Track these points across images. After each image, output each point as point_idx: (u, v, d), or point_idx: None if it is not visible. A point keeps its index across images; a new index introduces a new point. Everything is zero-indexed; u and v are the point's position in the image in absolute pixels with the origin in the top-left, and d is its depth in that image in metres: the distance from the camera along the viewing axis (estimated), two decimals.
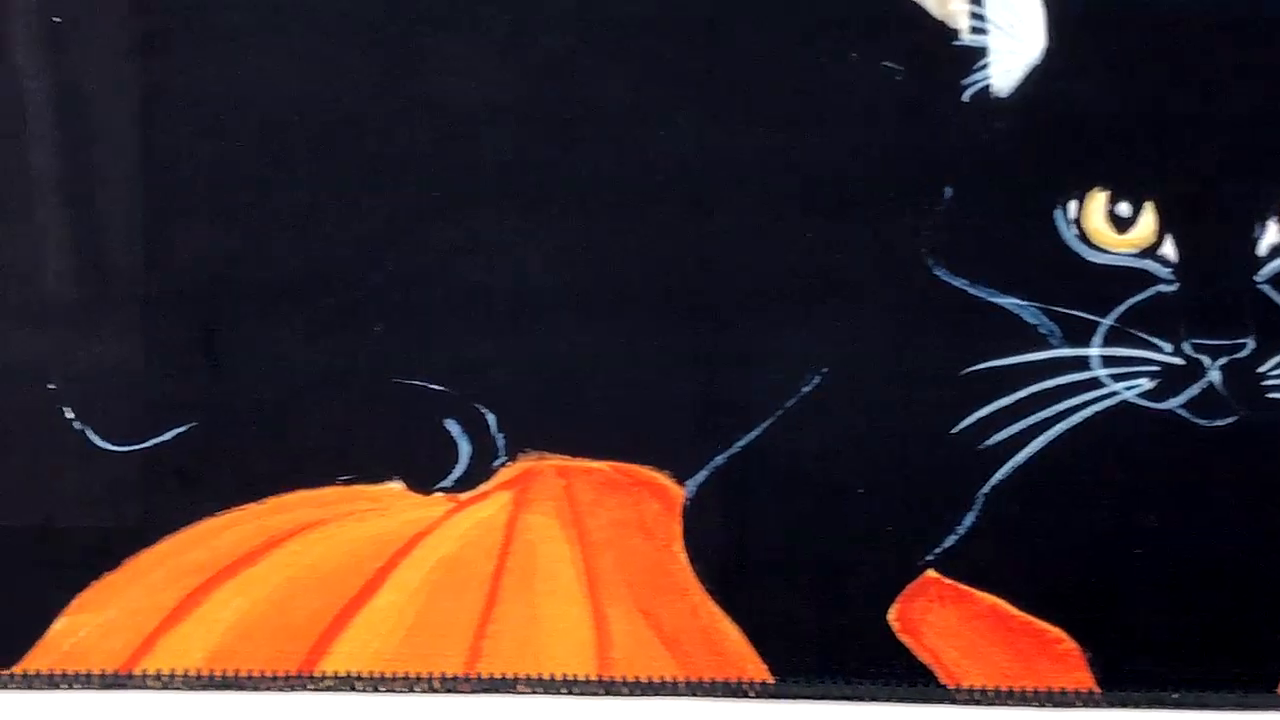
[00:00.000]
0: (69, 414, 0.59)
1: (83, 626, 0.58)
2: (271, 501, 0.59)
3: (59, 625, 0.58)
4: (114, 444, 0.59)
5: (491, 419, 0.59)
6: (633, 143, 0.58)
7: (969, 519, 0.58)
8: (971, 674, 0.57)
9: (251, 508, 0.59)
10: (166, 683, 0.58)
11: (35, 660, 0.58)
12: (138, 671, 0.58)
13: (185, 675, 0.58)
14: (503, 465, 0.59)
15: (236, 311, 0.59)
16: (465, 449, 0.59)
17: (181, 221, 0.59)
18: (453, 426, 0.58)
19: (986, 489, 0.57)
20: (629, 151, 0.58)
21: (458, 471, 0.59)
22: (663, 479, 0.58)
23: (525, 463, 0.59)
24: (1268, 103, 0.57)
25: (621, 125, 0.58)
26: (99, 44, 0.59)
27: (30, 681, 0.58)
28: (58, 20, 0.59)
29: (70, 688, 0.58)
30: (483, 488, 0.59)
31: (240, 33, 0.59)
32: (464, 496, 0.59)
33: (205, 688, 0.58)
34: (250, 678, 0.57)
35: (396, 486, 0.59)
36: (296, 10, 0.59)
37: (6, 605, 0.58)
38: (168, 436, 0.59)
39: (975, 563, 0.58)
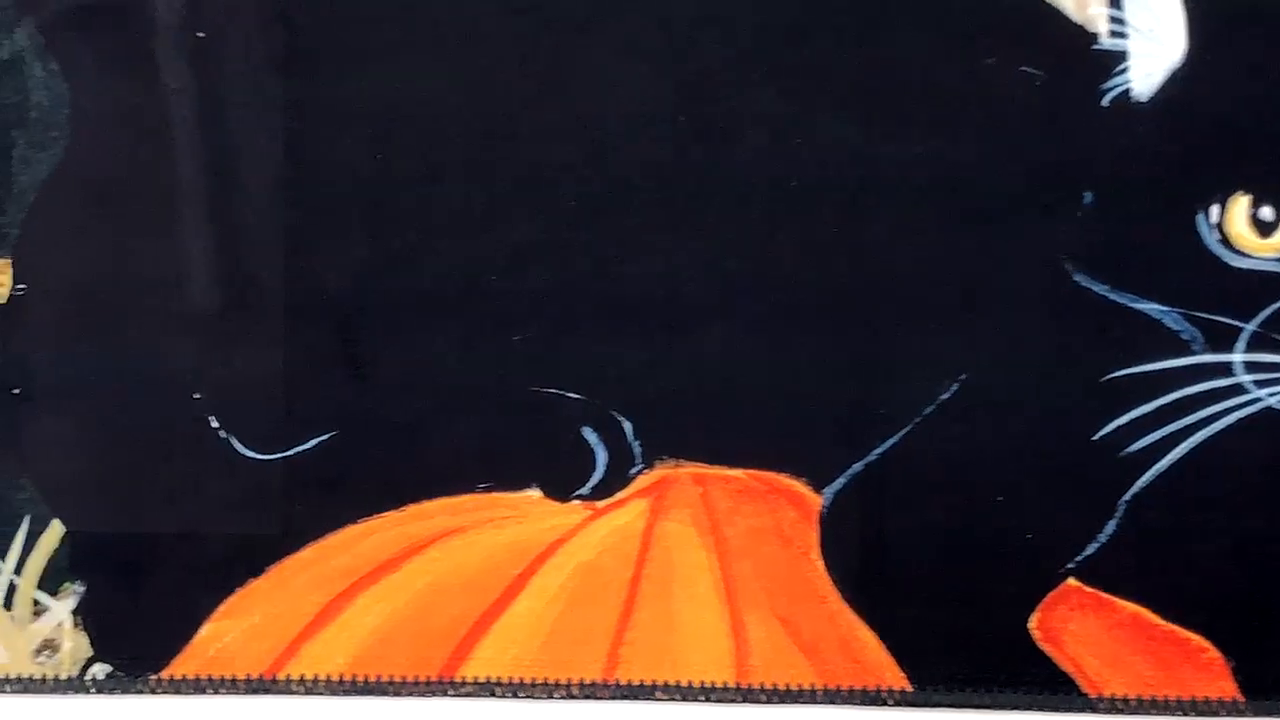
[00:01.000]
0: (214, 423, 0.58)
1: (228, 632, 0.57)
2: (412, 509, 0.58)
3: (205, 631, 0.57)
4: (258, 452, 0.58)
5: (628, 426, 0.58)
6: (781, 151, 0.57)
7: (1110, 526, 0.56)
8: (1113, 683, 0.56)
9: (392, 515, 0.58)
10: (310, 688, 0.57)
11: (182, 665, 0.57)
12: (281, 677, 0.57)
13: (328, 680, 0.57)
14: (639, 473, 0.58)
15: (379, 321, 0.58)
16: (602, 457, 0.58)
17: (325, 232, 0.59)
18: (590, 434, 0.57)
19: (1128, 496, 0.56)
20: (777, 160, 0.57)
21: (595, 479, 0.58)
22: (800, 486, 0.57)
23: (662, 470, 0.58)
24: None
25: (770, 133, 0.57)
26: (244, 58, 0.58)
27: (177, 686, 0.57)
28: (201, 35, 0.58)
29: (216, 692, 0.57)
30: (620, 495, 0.58)
31: (387, 45, 0.58)
32: (601, 504, 0.58)
33: (348, 693, 0.57)
34: (392, 683, 0.57)
35: (534, 494, 0.58)
36: (445, 22, 0.58)
37: (154, 611, 0.58)
38: (310, 445, 0.58)
39: (1117, 571, 0.56)
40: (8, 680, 0.58)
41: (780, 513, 0.57)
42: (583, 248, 0.58)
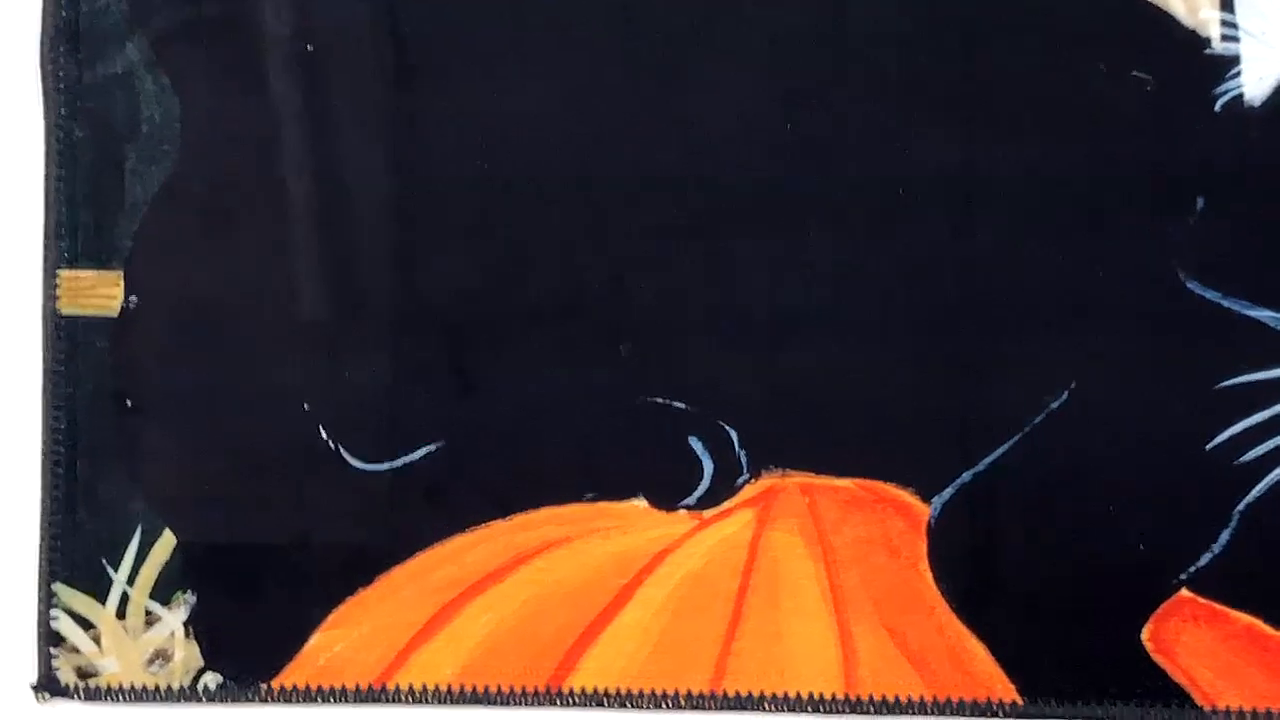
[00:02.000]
0: (323, 434, 0.58)
1: (338, 642, 0.57)
2: (518, 519, 0.58)
3: (315, 640, 0.57)
4: (366, 463, 0.58)
5: (734, 436, 0.57)
6: (886, 160, 0.57)
7: (1224, 536, 0.54)
8: (1228, 695, 0.54)
9: (499, 525, 0.58)
10: (419, 698, 0.57)
11: (292, 675, 0.57)
12: (391, 686, 0.57)
13: (437, 690, 0.56)
14: (746, 483, 0.57)
15: (485, 332, 0.58)
16: (708, 466, 0.57)
17: (433, 244, 0.59)
18: (696, 444, 0.57)
19: (1242, 506, 0.54)
20: (883, 169, 0.57)
21: (701, 489, 0.57)
22: (907, 496, 0.56)
23: (768, 480, 0.57)
24: None
25: (876, 142, 0.56)
26: (353, 71, 0.58)
27: (288, 695, 0.57)
28: (311, 49, 0.58)
29: (326, 702, 0.57)
30: (726, 505, 0.57)
31: (495, 57, 0.58)
32: (707, 514, 0.57)
33: (456, 702, 0.56)
34: (499, 693, 0.56)
35: (640, 504, 0.57)
36: (552, 34, 0.58)
37: (265, 621, 0.58)
38: (417, 455, 0.58)
39: (1231, 582, 0.55)
40: (121, 690, 0.58)
41: (888, 522, 0.56)
42: (689, 258, 0.57)
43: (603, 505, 0.58)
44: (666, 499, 0.57)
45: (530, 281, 0.58)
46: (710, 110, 0.57)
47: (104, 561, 0.59)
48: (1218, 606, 0.55)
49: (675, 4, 0.57)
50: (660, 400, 0.57)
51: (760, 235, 0.57)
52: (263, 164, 0.59)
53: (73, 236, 0.59)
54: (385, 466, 0.58)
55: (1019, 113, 0.56)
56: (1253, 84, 0.54)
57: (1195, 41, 0.55)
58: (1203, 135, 0.55)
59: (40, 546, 0.59)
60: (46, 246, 0.59)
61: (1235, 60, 0.54)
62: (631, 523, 0.57)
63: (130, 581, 0.59)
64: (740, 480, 0.57)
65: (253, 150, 0.58)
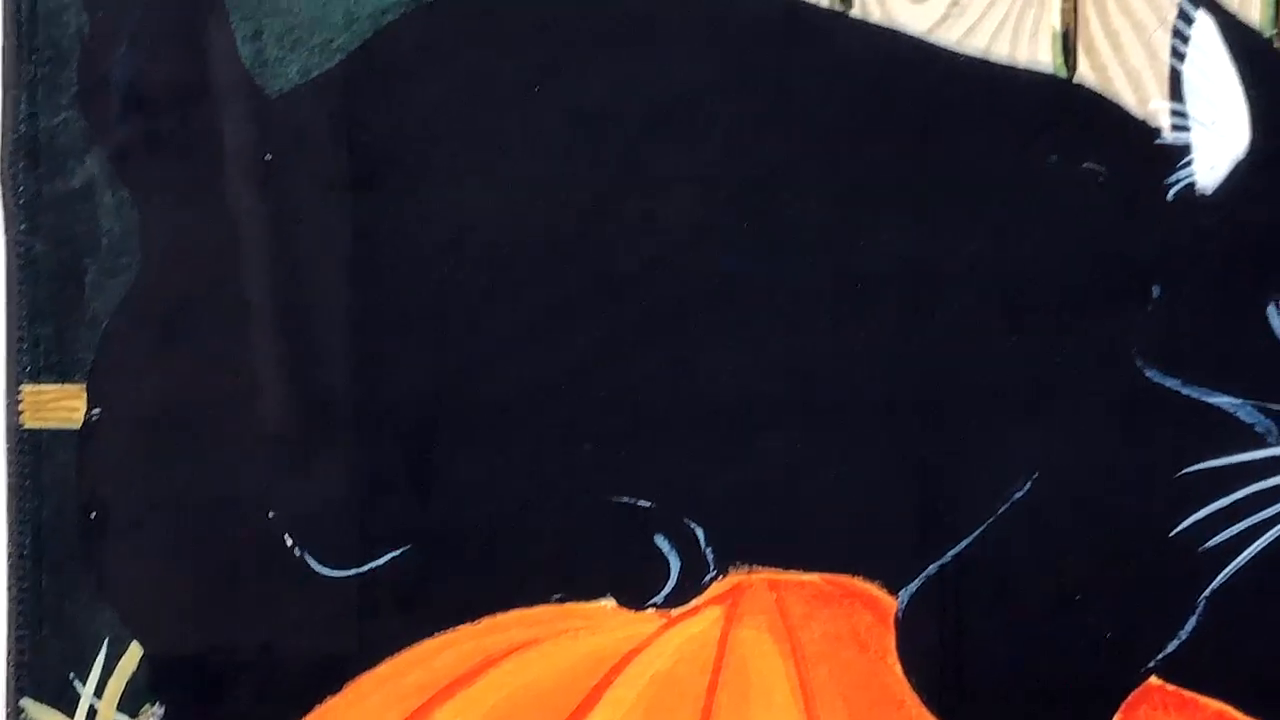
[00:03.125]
0: (289, 541, 0.58)
1: None
2: (486, 622, 0.57)
3: None
4: (333, 569, 0.58)
5: (701, 533, 0.57)
6: (844, 252, 0.57)
7: (1192, 623, 0.55)
8: None
9: (467, 628, 0.57)
10: None
11: None
12: None
13: None
14: (713, 580, 0.57)
15: (449, 435, 0.58)
16: (675, 564, 0.57)
17: (394, 347, 0.59)
18: (663, 542, 0.57)
19: (1209, 592, 0.54)
20: (841, 261, 0.57)
21: (668, 587, 0.57)
22: (875, 590, 0.56)
23: (735, 577, 0.57)
24: None
25: (833, 235, 0.57)
26: (312, 178, 0.59)
27: None
28: (269, 158, 0.59)
29: None
30: (694, 603, 0.57)
31: (451, 158, 0.59)
32: (675, 612, 0.57)
33: None
34: None
35: (608, 604, 0.58)
36: (508, 133, 0.58)
37: None
38: (384, 560, 0.58)
39: (1200, 668, 0.55)
40: None
41: (856, 617, 0.56)
42: (650, 355, 0.57)
43: (571, 606, 0.58)
44: (634, 598, 0.57)
45: (493, 381, 0.58)
46: (668, 205, 0.57)
47: (71, 676, 0.59)
48: (1187, 694, 0.55)
49: (630, 101, 0.58)
50: (626, 499, 0.57)
51: (721, 330, 0.57)
52: (223, 273, 0.59)
53: (34, 351, 0.60)
54: (352, 573, 0.58)
55: (974, 203, 0.56)
56: (1204, 172, 0.55)
57: (1146, 131, 0.56)
58: (1157, 224, 0.55)
59: (6, 662, 0.59)
60: (9, 361, 0.59)
61: (1186, 149, 0.55)
62: (599, 623, 0.57)
63: (98, 694, 0.58)
64: (707, 578, 0.57)
65: (213, 260, 0.59)
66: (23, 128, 0.60)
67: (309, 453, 0.59)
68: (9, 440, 0.59)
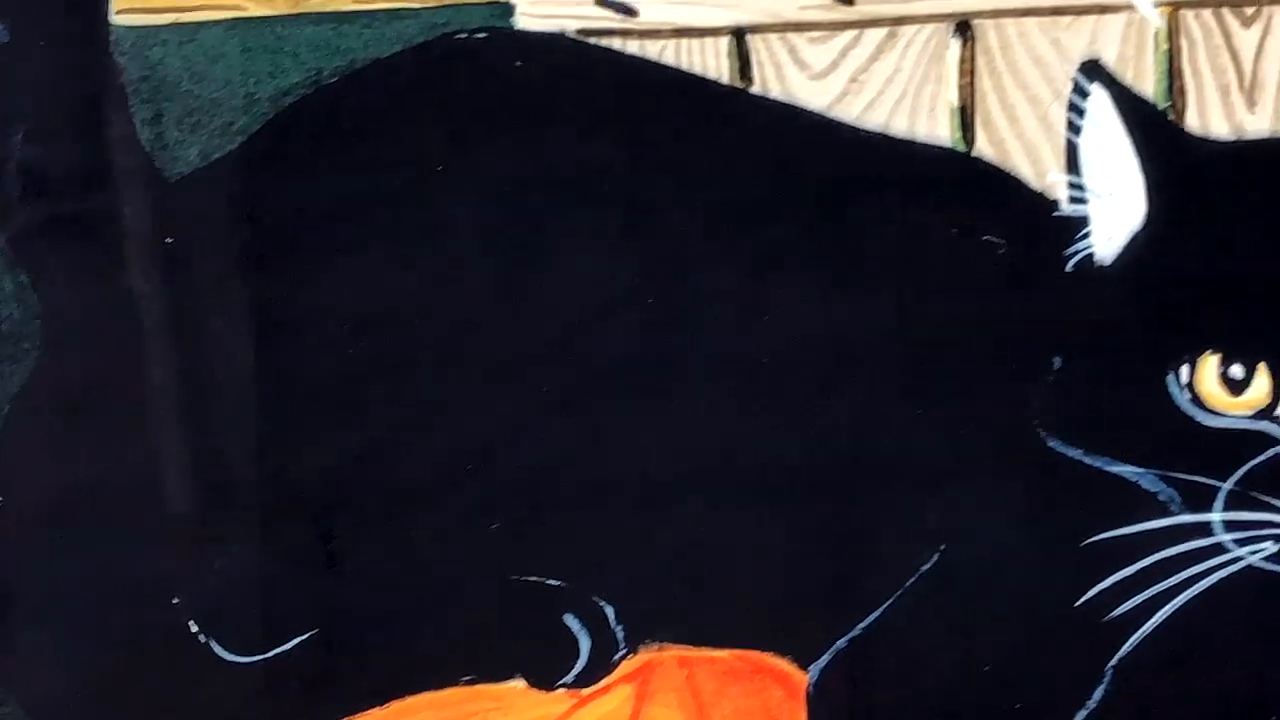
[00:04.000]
0: (193, 628, 0.59)
1: None
2: (395, 705, 0.59)
3: None
4: (238, 655, 0.59)
5: (610, 611, 0.58)
6: (750, 327, 0.59)
7: (1098, 693, 0.56)
8: None
9: (376, 712, 0.59)
10: None
11: None
12: None
13: None
14: (624, 657, 0.58)
15: (355, 517, 0.59)
16: (585, 643, 0.58)
17: (299, 429, 0.60)
18: (572, 621, 0.58)
19: (1115, 661, 0.56)
20: (744, 337, 0.59)
21: (579, 666, 0.59)
22: (785, 665, 0.58)
23: (646, 654, 0.58)
24: None
25: (737, 311, 0.59)
26: (213, 261, 0.60)
27: None
28: (170, 241, 0.60)
29: None
30: (605, 682, 0.59)
31: (354, 239, 0.60)
32: (586, 692, 0.58)
33: None
34: None
35: (519, 684, 0.59)
36: (410, 214, 0.60)
37: None
38: (290, 645, 0.59)
39: None
40: None
41: (767, 692, 0.58)
42: (556, 434, 0.59)
43: (480, 687, 0.59)
44: (544, 678, 0.58)
45: (397, 464, 0.59)
46: (571, 284, 0.59)
47: None
48: None
49: (532, 183, 0.59)
50: (534, 578, 0.58)
51: (627, 408, 0.59)
52: (124, 358, 0.60)
53: None
54: (258, 659, 0.59)
55: (876, 277, 0.58)
56: (1102, 244, 0.56)
57: (1044, 204, 0.58)
58: (1056, 295, 0.57)
59: None
60: None
61: (1084, 221, 0.57)
62: (510, 704, 0.58)
63: None
64: (618, 656, 0.58)
65: (114, 345, 0.60)
66: None
67: (213, 538, 0.60)
68: None
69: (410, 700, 0.58)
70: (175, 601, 0.60)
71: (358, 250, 0.60)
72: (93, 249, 0.61)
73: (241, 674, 0.59)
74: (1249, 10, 0.58)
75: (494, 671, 0.59)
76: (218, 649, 0.59)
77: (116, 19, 0.62)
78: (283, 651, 0.59)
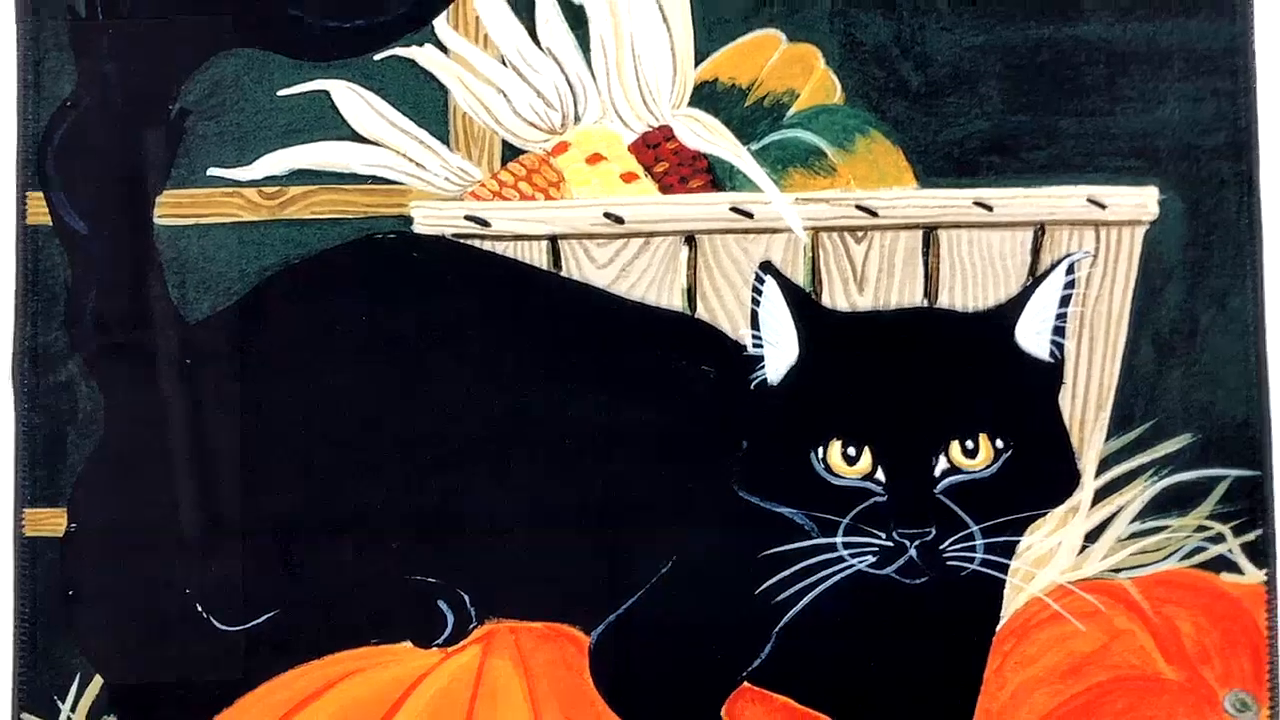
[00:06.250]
0: (199, 608, 0.78)
1: None
2: (328, 658, 0.78)
3: None
4: (228, 625, 0.78)
5: (467, 598, 0.78)
6: (558, 419, 0.78)
7: (767, 649, 0.78)
8: None
9: (315, 663, 0.78)
10: None
11: None
12: None
13: None
14: (474, 628, 0.78)
15: (306, 538, 0.78)
16: (450, 618, 0.78)
17: (271, 480, 0.77)
18: (443, 604, 0.78)
19: (778, 628, 0.77)
20: (557, 425, 0.78)
21: (446, 633, 0.78)
22: (576, 632, 0.78)
23: (489, 625, 0.78)
24: (938, 384, 0.77)
25: (549, 408, 0.78)
26: (216, 376, 0.78)
27: None
28: (189, 361, 0.78)
29: None
30: (462, 643, 0.78)
31: (311, 363, 0.78)
32: (450, 650, 0.78)
33: None
34: None
35: (407, 645, 0.78)
36: (345, 349, 0.78)
37: None
38: (261, 620, 0.78)
39: (773, 676, 0.78)
40: None
41: (565, 649, 0.78)
42: (433, 486, 0.78)
43: (383, 647, 0.78)
44: (423, 640, 0.78)
45: (335, 503, 0.78)
46: (444, 393, 0.78)
47: (55, 697, 0.79)
48: (765, 692, 0.78)
49: (422, 326, 0.78)
50: (419, 577, 0.78)
51: (481, 470, 0.78)
52: (159, 435, 0.78)
53: (33, 486, 0.79)
54: (239, 629, 0.78)
55: (636, 391, 0.78)
56: (772, 372, 0.77)
57: (738, 347, 0.78)
58: (744, 403, 0.77)
59: (12, 688, 0.78)
60: (16, 493, 0.79)
61: (760, 359, 0.77)
62: (401, 658, 0.78)
63: (73, 710, 0.79)
64: (471, 627, 0.78)
65: (151, 426, 0.78)
66: (27, 342, 0.79)
67: (212, 550, 0.78)
68: (15, 545, 0.79)
69: (338, 655, 0.78)
70: (188, 592, 0.78)
71: (312, 368, 0.78)
72: (138, 365, 0.79)
73: (229, 638, 0.78)
74: (859, 234, 0.80)
75: (391, 636, 0.78)
76: (215, 623, 0.78)
77: (158, 220, 0.80)
78: (256, 624, 0.78)
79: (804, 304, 0.79)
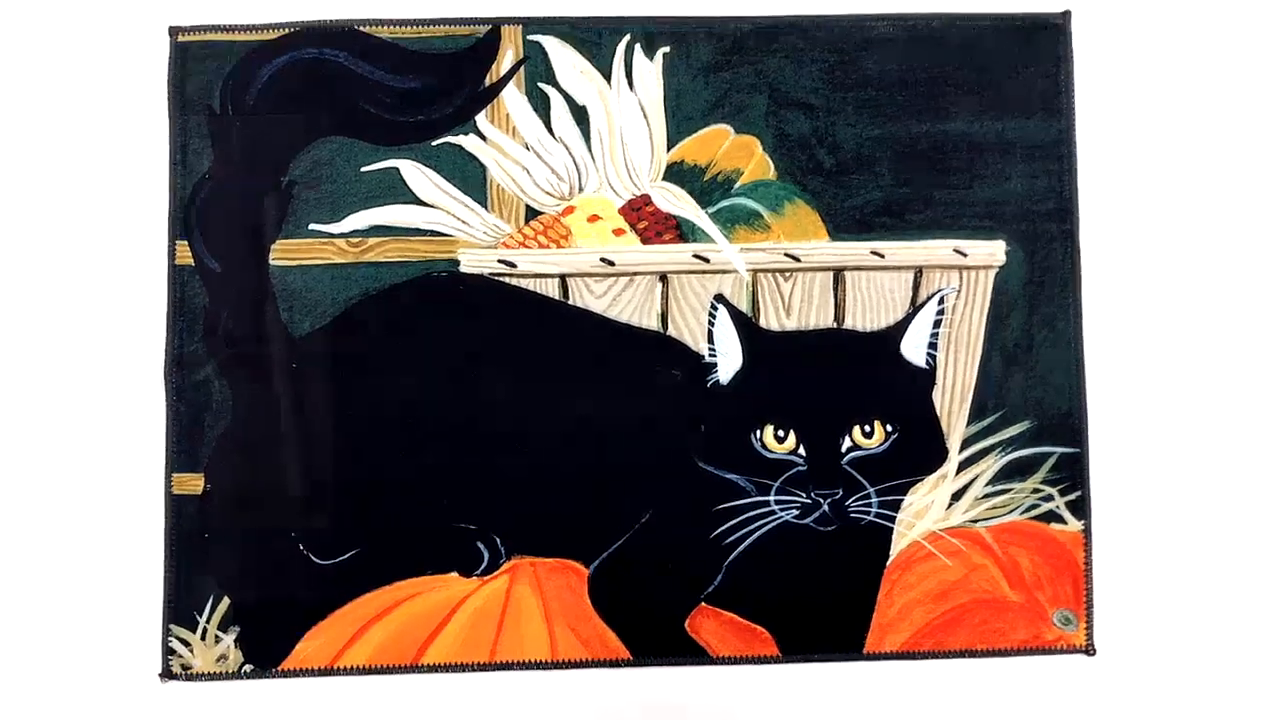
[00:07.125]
0: (301, 547, 0.98)
1: (311, 645, 0.99)
2: (395, 584, 0.99)
3: (299, 647, 0.99)
4: (322, 560, 0.98)
5: (499, 541, 0.99)
6: (563, 413, 0.98)
7: (719, 579, 0.99)
8: (723, 650, 1.00)
9: (385, 589, 0.99)
10: (350, 672, 0.98)
11: (289, 662, 0.99)
12: (338, 665, 0.98)
13: (359, 668, 0.99)
14: (503, 564, 0.99)
15: (381, 496, 0.97)
16: (486, 555, 0.99)
17: (358, 453, 0.97)
18: (480, 545, 0.99)
19: (728, 562, 0.99)
20: (562, 416, 0.98)
21: (482, 567, 0.99)
22: (578, 565, 1.00)
23: (516, 561, 0.99)
24: (844, 384, 0.99)
25: (555, 405, 0.98)
26: (316, 376, 0.97)
27: (286, 674, 0.99)
28: (295, 366, 0.98)
29: (304, 676, 0.98)
30: (495, 574, 0.99)
31: (385, 365, 0.96)
32: (486, 578, 0.99)
33: (367, 674, 0.99)
34: (389, 668, 0.99)
35: (454, 575, 0.99)
36: (411, 358, 0.96)
37: (276, 637, 0.98)
38: (346, 556, 0.98)
39: (724, 598, 1.00)
40: (202, 674, 0.99)
41: (570, 578, 1.00)
42: (475, 460, 0.98)
43: (435, 577, 0.99)
44: (466, 571, 1.00)
45: (404, 469, 0.98)
46: (489, 392, 0.99)
47: (195, 612, 0.99)
48: (719, 610, 1.00)
49: (472, 343, 0.98)
50: (462, 524, 0.99)
51: (507, 446, 0.99)
52: (272, 419, 0.99)
53: (179, 457, 1.00)
54: (331, 563, 0.99)
55: (621, 392, 0.99)
56: (724, 375, 1.00)
57: (699, 357, 1.00)
58: (703, 400, 0.99)
59: (163, 606, 1.00)
60: (167, 461, 1.00)
61: (714, 365, 1.00)
62: (448, 585, 0.99)
63: (208, 622, 0.99)
64: (501, 562, 1.00)
65: (266, 415, 0.99)
66: (174, 351, 1.00)
67: (310, 504, 0.99)
68: (166, 501, 1.00)
69: (402, 583, 0.99)
70: (292, 535, 0.99)
71: (384, 372, 0.98)
72: (257, 369, 0.99)
73: (323, 569, 0.98)
74: (787, 274, 1.01)
75: (441, 568, 0.99)
76: (313, 557, 0.98)
77: (273, 262, 1.00)
78: (344, 559, 0.98)
79: (747, 325, 1.01)
